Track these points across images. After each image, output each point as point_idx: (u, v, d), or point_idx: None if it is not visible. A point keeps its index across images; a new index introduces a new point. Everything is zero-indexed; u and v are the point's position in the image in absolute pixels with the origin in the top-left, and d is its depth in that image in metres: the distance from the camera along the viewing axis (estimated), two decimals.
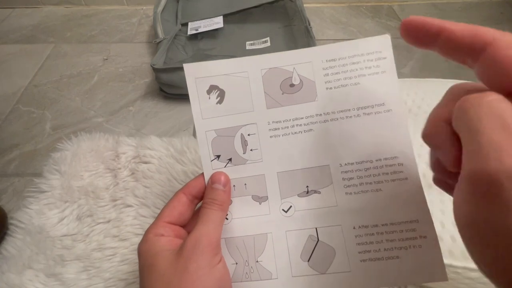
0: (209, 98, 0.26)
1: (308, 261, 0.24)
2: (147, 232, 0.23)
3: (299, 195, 0.25)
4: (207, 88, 0.26)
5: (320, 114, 0.25)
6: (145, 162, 0.45)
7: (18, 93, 0.74)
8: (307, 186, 0.25)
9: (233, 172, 0.26)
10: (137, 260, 0.37)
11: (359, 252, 0.24)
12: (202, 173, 0.26)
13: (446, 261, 0.29)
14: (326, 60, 0.25)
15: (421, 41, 0.17)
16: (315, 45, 0.72)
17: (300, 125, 0.25)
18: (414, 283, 0.23)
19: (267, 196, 0.25)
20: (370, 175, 0.24)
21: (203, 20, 0.82)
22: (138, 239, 0.39)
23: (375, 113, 0.24)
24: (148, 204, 0.41)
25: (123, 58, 0.84)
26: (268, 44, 0.78)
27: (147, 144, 0.47)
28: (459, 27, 0.15)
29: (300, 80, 0.25)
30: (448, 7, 1.04)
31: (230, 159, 0.26)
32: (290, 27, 0.82)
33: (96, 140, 0.49)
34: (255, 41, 0.79)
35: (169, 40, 0.74)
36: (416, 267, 0.23)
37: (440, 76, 0.80)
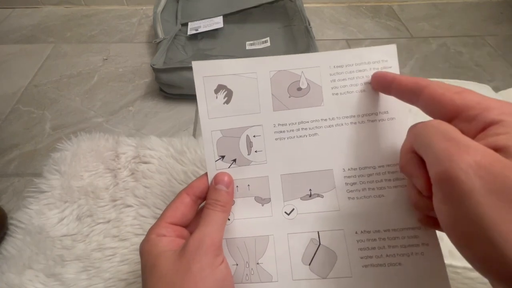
0: (217, 97, 0.25)
1: (309, 264, 0.24)
2: (149, 232, 0.23)
3: (302, 198, 0.25)
4: (215, 88, 0.25)
5: (325, 119, 0.25)
6: (145, 162, 0.45)
7: (18, 93, 0.74)
8: (310, 190, 0.25)
9: (237, 173, 0.25)
10: (137, 260, 0.37)
11: (361, 258, 0.23)
12: (206, 173, 0.26)
13: (446, 261, 0.29)
14: (334, 66, 0.25)
15: (382, 86, 0.23)
16: (315, 45, 0.72)
17: (306, 129, 0.25)
18: None
19: (270, 198, 0.25)
20: (373, 181, 0.24)
21: (203, 20, 0.82)
22: (138, 239, 0.39)
23: (379, 121, 0.24)
24: (148, 204, 0.41)
25: (123, 58, 0.84)
26: (268, 44, 0.78)
27: (147, 144, 0.47)
28: (405, 78, 0.21)
29: (308, 84, 0.25)
30: (448, 7, 1.04)
31: (234, 160, 0.25)
32: (290, 27, 0.83)
33: (96, 140, 0.49)
34: (255, 41, 0.79)
35: (169, 40, 0.74)
36: (418, 275, 0.23)
37: (440, 76, 0.80)
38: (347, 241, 0.24)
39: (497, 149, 0.15)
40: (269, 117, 0.25)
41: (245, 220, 0.25)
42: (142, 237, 0.34)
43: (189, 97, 0.71)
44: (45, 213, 0.41)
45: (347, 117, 0.25)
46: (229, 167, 0.26)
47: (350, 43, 0.90)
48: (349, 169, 0.25)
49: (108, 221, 0.40)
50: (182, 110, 0.70)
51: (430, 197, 0.18)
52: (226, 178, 0.25)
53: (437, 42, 0.89)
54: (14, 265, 0.37)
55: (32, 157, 0.61)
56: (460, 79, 0.45)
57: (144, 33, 0.93)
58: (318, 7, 1.04)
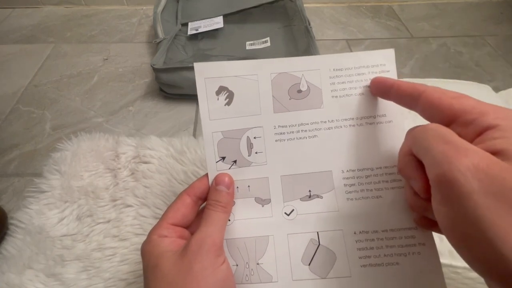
0: (218, 99, 0.26)
1: (309, 265, 0.24)
2: (150, 233, 0.23)
3: (301, 199, 0.25)
4: (216, 89, 0.26)
5: (325, 121, 0.25)
6: (145, 162, 0.45)
7: (18, 93, 0.74)
8: (309, 191, 0.25)
9: (237, 174, 0.26)
10: (137, 260, 0.37)
11: (360, 257, 0.24)
12: (206, 174, 0.26)
13: (446, 261, 0.29)
14: (334, 69, 0.25)
15: (381, 91, 0.24)
16: (315, 45, 0.72)
17: (305, 130, 0.25)
18: None
19: (270, 199, 0.25)
20: (371, 182, 0.25)
21: (203, 20, 0.82)
22: (138, 239, 0.39)
23: (377, 123, 0.25)
24: (148, 204, 0.41)
25: (123, 58, 0.84)
26: (268, 44, 0.78)
27: (147, 144, 0.47)
28: (404, 83, 0.22)
29: (308, 86, 0.26)
30: (448, 7, 1.04)
31: (235, 161, 0.26)
32: (290, 27, 0.83)
33: (96, 140, 0.49)
34: (255, 41, 0.79)
35: (169, 40, 0.74)
36: (415, 274, 0.23)
37: (440, 76, 0.80)
38: (346, 241, 0.24)
39: (495, 152, 0.15)
40: (269, 119, 0.26)
41: (245, 220, 0.25)
42: (142, 237, 0.34)
43: (189, 97, 0.71)
44: (45, 213, 0.41)
45: (346, 119, 0.25)
46: (229, 168, 0.26)
47: (350, 43, 0.90)
48: (347, 171, 0.25)
49: (108, 221, 0.40)
50: (182, 110, 0.70)
51: (427, 199, 0.19)
52: (226, 179, 0.25)
53: (437, 42, 0.89)
54: (14, 265, 0.37)
55: (32, 157, 0.61)
56: (460, 79, 0.45)
57: (144, 33, 0.93)
58: (318, 7, 1.04)
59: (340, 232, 0.24)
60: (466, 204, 0.14)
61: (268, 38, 0.79)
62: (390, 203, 0.24)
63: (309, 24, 0.76)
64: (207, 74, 0.26)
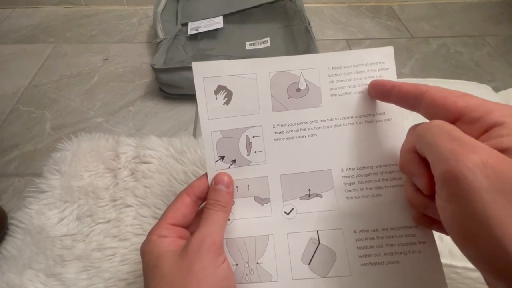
0: (216, 98, 0.25)
1: (309, 264, 0.24)
2: (150, 233, 0.23)
3: (301, 198, 0.25)
4: (215, 88, 0.26)
5: (324, 120, 0.25)
6: (145, 162, 0.45)
7: (18, 93, 0.74)
8: (309, 190, 0.25)
9: (236, 173, 0.26)
10: (137, 260, 0.37)
11: (360, 256, 0.24)
12: (206, 174, 0.26)
13: (446, 261, 0.29)
14: (333, 68, 0.25)
15: (381, 94, 0.24)
16: (315, 45, 0.72)
17: (304, 129, 0.25)
18: None
19: (270, 198, 0.25)
20: (371, 180, 0.25)
21: (203, 20, 0.82)
22: (138, 239, 0.39)
23: (376, 122, 0.25)
24: (148, 204, 0.41)
25: (123, 58, 0.84)
26: (268, 44, 0.78)
27: (147, 144, 0.47)
28: (405, 84, 0.21)
29: (307, 85, 0.25)
30: (448, 7, 1.04)
31: (234, 160, 0.26)
32: (290, 27, 0.83)
33: (96, 140, 0.49)
34: (255, 41, 0.79)
35: (169, 40, 0.74)
36: (415, 272, 0.23)
37: (440, 76, 0.80)
38: (346, 240, 0.24)
39: (502, 150, 0.15)
40: (268, 118, 0.26)
41: (244, 220, 0.25)
42: (142, 237, 0.33)
43: (189, 97, 0.71)
44: (45, 213, 0.41)
45: (345, 118, 0.25)
46: (229, 168, 0.26)
47: (350, 43, 0.90)
48: (347, 169, 0.25)
49: (108, 221, 0.40)
50: (182, 110, 0.70)
51: (430, 196, 0.19)
52: (226, 178, 0.25)
53: (437, 42, 0.90)
54: (14, 265, 0.37)
55: (32, 157, 0.61)
56: (460, 79, 0.45)
57: (144, 33, 0.93)
58: (318, 7, 1.04)
59: (340, 231, 0.24)
60: (474, 201, 0.14)
61: (268, 38, 0.79)
62: (390, 201, 0.24)
63: (309, 24, 0.76)
64: (206, 74, 0.25)
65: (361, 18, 0.99)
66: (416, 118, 0.21)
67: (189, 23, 0.81)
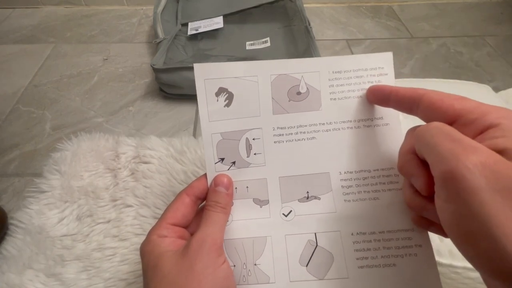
0: (217, 100, 0.26)
1: (307, 266, 0.24)
2: (150, 233, 0.23)
3: (299, 200, 0.25)
4: (216, 90, 0.26)
5: (323, 124, 0.25)
6: (145, 162, 0.45)
7: (18, 93, 0.74)
8: (307, 192, 0.25)
9: (236, 175, 0.26)
10: (137, 260, 0.37)
11: (357, 259, 0.24)
12: (205, 174, 0.26)
13: (446, 261, 0.29)
14: (333, 72, 0.25)
15: (379, 99, 0.24)
16: (315, 45, 0.72)
17: (304, 132, 0.25)
18: None
19: (268, 200, 0.25)
20: (368, 184, 0.25)
21: (203, 20, 0.82)
22: (138, 239, 0.39)
23: (374, 126, 0.25)
24: (148, 204, 0.41)
25: (123, 58, 0.84)
26: (268, 44, 0.78)
27: (147, 144, 0.47)
28: (402, 88, 0.22)
29: (307, 88, 0.26)
30: (448, 7, 1.04)
31: (233, 162, 0.26)
32: (290, 27, 0.83)
33: (96, 140, 0.49)
34: (255, 41, 0.79)
35: (169, 40, 0.74)
36: (412, 275, 0.23)
37: (440, 76, 0.80)
38: (344, 242, 0.24)
39: (497, 151, 0.15)
40: (268, 120, 0.26)
41: (243, 221, 0.25)
42: (142, 237, 0.34)
43: (189, 97, 0.71)
44: (45, 213, 0.41)
45: (344, 121, 0.25)
46: (228, 169, 0.26)
47: (350, 43, 0.90)
48: (345, 173, 0.25)
49: (108, 221, 0.40)
50: (182, 110, 0.70)
51: (428, 197, 0.19)
52: (225, 180, 0.25)
53: (437, 42, 0.89)
54: (14, 265, 0.37)
55: (32, 157, 0.61)
56: (460, 79, 0.45)
57: (144, 33, 0.93)
58: (318, 7, 1.04)
59: (337, 233, 0.24)
60: (473, 201, 0.14)
61: (268, 38, 0.79)
62: (387, 204, 0.24)
63: (309, 24, 0.76)
64: (207, 75, 0.25)
65: (361, 18, 0.99)
66: (415, 121, 0.21)
67: (189, 23, 0.81)
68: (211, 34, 0.81)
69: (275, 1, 0.83)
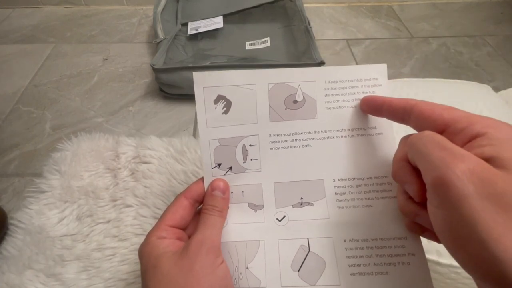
0: (216, 107, 0.26)
1: (298, 271, 0.24)
2: (149, 235, 0.24)
3: (293, 206, 0.26)
4: (215, 98, 0.26)
5: (318, 132, 0.26)
6: (145, 162, 0.45)
7: (18, 93, 0.74)
8: (301, 198, 0.26)
9: (232, 180, 0.26)
10: (137, 260, 0.37)
11: (349, 265, 0.24)
12: (202, 177, 0.26)
13: (446, 261, 0.29)
14: (329, 81, 0.26)
15: (373, 109, 0.25)
16: (315, 45, 0.72)
17: (299, 140, 0.26)
18: None
19: (263, 205, 0.26)
20: (361, 191, 0.25)
21: (203, 20, 0.82)
22: (138, 239, 0.39)
23: (367, 135, 0.26)
24: (148, 204, 0.41)
25: (123, 58, 0.84)
26: (268, 44, 0.78)
27: (147, 144, 0.47)
28: (395, 99, 0.23)
29: (303, 97, 0.26)
30: (448, 7, 1.04)
31: (230, 168, 0.26)
32: (290, 27, 0.83)
33: (96, 140, 0.49)
34: (255, 41, 0.79)
35: (169, 40, 0.74)
36: (404, 284, 0.23)
37: (440, 76, 0.80)
38: (336, 248, 0.24)
39: (484, 159, 0.16)
40: (265, 127, 0.26)
41: (238, 225, 0.26)
42: (142, 237, 0.33)
43: (189, 97, 0.71)
44: (45, 213, 0.41)
45: (338, 130, 0.26)
46: (225, 174, 0.26)
47: (350, 43, 0.90)
48: (339, 180, 0.26)
49: (108, 221, 0.40)
50: (182, 110, 0.70)
51: (421, 203, 0.19)
52: (222, 185, 0.25)
53: (437, 42, 0.90)
54: (14, 265, 0.37)
55: (32, 157, 0.61)
56: (460, 79, 0.45)
57: (144, 33, 0.93)
58: (318, 7, 1.04)
59: (330, 239, 0.25)
60: (462, 207, 0.15)
61: (268, 38, 0.79)
62: (380, 212, 0.25)
63: (309, 24, 0.76)
64: (206, 83, 0.26)
65: (361, 18, 0.99)
66: (407, 131, 0.22)
67: (189, 23, 0.81)
68: (211, 34, 0.81)
69: (275, 1, 0.83)
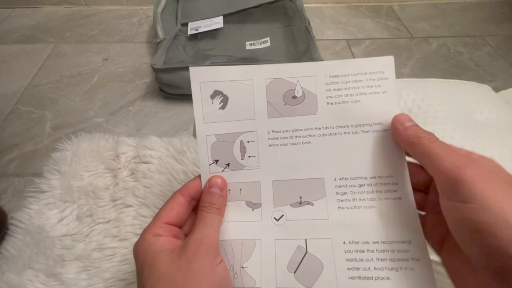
0: (213, 103, 0.26)
1: (295, 272, 0.23)
2: (144, 232, 0.23)
3: (292, 205, 0.25)
4: (211, 93, 0.26)
5: (319, 128, 0.25)
6: (145, 162, 0.45)
7: (18, 93, 0.74)
8: (300, 197, 0.25)
9: (229, 177, 0.26)
10: None
11: (348, 269, 0.23)
12: (200, 175, 0.26)
13: None
14: (330, 76, 0.25)
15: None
16: (315, 45, 0.72)
17: (299, 136, 0.25)
18: None
19: (261, 203, 0.25)
20: (364, 191, 0.24)
21: (203, 20, 0.82)
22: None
23: (373, 132, 0.24)
24: (148, 204, 0.41)
25: (123, 58, 0.84)
26: (268, 44, 0.78)
27: (147, 144, 0.47)
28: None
29: (303, 93, 0.25)
30: (448, 7, 1.04)
31: (228, 164, 0.26)
32: (290, 27, 0.83)
33: (96, 140, 0.49)
34: (255, 41, 0.79)
35: (169, 40, 0.74)
36: None
37: (440, 76, 0.80)
38: (335, 250, 0.23)
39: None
40: (263, 123, 0.26)
41: (234, 223, 0.25)
42: None
43: (189, 97, 0.70)
44: (45, 213, 0.41)
45: (341, 126, 0.25)
46: (222, 171, 0.26)
47: (350, 43, 0.90)
48: (340, 179, 0.25)
49: (108, 221, 0.40)
50: (182, 110, 0.70)
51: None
52: (219, 181, 0.25)
53: (437, 42, 0.89)
54: (14, 265, 0.37)
55: (32, 157, 0.61)
56: (460, 79, 0.45)
57: (144, 33, 0.93)
58: (318, 7, 1.04)
59: (329, 241, 0.24)
60: (480, 200, 0.17)
61: (268, 38, 0.79)
62: (383, 214, 0.23)
63: (309, 24, 0.76)
64: (203, 78, 0.26)
65: (361, 18, 0.99)
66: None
67: (189, 23, 0.81)
68: (211, 34, 0.81)
69: (275, 1, 0.83)
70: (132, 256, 0.37)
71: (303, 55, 0.73)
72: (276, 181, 0.25)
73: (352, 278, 0.22)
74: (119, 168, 0.45)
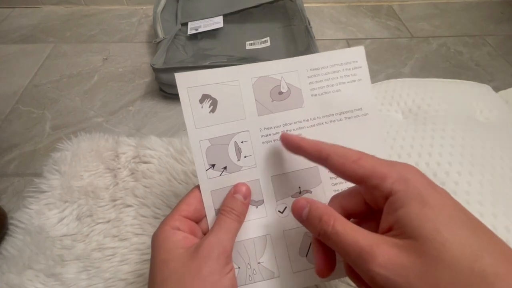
0: (202, 107, 0.26)
1: (306, 256, 0.25)
2: (163, 223, 0.24)
3: (292, 196, 0.26)
4: (200, 98, 0.26)
5: (307, 120, 0.27)
6: (145, 162, 0.45)
7: (18, 93, 0.74)
8: (299, 187, 0.26)
9: (228, 180, 0.26)
10: (137, 260, 0.37)
11: None
12: (197, 186, 0.26)
13: None
14: (311, 69, 0.27)
15: (291, 149, 0.24)
16: (315, 45, 0.72)
17: (290, 130, 0.26)
18: None
19: (263, 200, 0.26)
20: None
21: (203, 20, 0.82)
22: (138, 239, 0.39)
23: (355, 117, 0.27)
24: (148, 204, 0.41)
25: (123, 58, 0.84)
26: (268, 44, 0.78)
27: (147, 144, 0.47)
28: (308, 145, 0.23)
29: (288, 88, 0.27)
30: (448, 7, 1.04)
31: (225, 167, 0.26)
32: (290, 27, 0.82)
33: (96, 140, 0.49)
34: (255, 41, 0.79)
35: (169, 40, 0.74)
36: None
37: (440, 76, 0.80)
38: None
39: (402, 224, 0.17)
40: (254, 122, 0.26)
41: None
42: (142, 237, 0.33)
43: None
44: (45, 213, 0.41)
45: (326, 116, 0.27)
46: (220, 175, 0.26)
47: (350, 43, 0.90)
48: None
49: (108, 221, 0.40)
50: (182, 110, 0.70)
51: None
52: (244, 189, 0.25)
53: (437, 42, 0.89)
54: (14, 265, 0.37)
55: (32, 157, 0.61)
56: (460, 79, 0.45)
57: (144, 33, 0.93)
58: (318, 7, 1.04)
59: None
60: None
61: (268, 38, 0.79)
62: None
63: (309, 24, 0.76)
64: (189, 84, 0.26)
65: (361, 18, 0.99)
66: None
67: (189, 23, 0.81)
68: (211, 33, 0.81)
69: (275, 0, 0.83)
70: (132, 256, 0.37)
71: (303, 55, 0.73)
72: (274, 176, 0.26)
73: None
74: (119, 168, 0.45)
